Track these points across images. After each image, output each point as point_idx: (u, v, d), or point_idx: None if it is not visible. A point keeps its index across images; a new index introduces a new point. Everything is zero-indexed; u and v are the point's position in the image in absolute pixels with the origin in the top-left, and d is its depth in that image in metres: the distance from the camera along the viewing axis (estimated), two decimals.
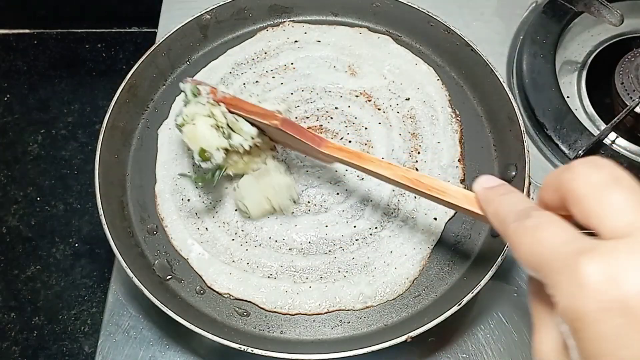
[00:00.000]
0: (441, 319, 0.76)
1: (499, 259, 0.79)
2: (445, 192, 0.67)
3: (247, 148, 0.83)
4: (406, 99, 0.99)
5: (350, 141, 0.94)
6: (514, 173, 0.88)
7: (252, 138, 0.82)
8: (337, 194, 0.91)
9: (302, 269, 0.86)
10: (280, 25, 1.06)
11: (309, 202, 0.90)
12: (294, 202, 0.89)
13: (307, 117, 0.97)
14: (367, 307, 0.83)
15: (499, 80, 0.93)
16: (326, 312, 0.83)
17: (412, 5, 1.02)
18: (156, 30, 1.16)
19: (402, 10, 1.03)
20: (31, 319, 1.15)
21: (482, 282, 0.78)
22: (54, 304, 1.16)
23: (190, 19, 1.01)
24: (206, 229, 0.89)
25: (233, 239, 0.88)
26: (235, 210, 0.89)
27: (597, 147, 0.99)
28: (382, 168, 0.75)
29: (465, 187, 0.91)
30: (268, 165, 0.87)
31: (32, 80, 1.41)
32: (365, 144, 0.94)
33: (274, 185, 0.86)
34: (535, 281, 0.46)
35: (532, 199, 0.83)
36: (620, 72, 1.06)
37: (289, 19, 1.07)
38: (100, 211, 0.84)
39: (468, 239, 0.88)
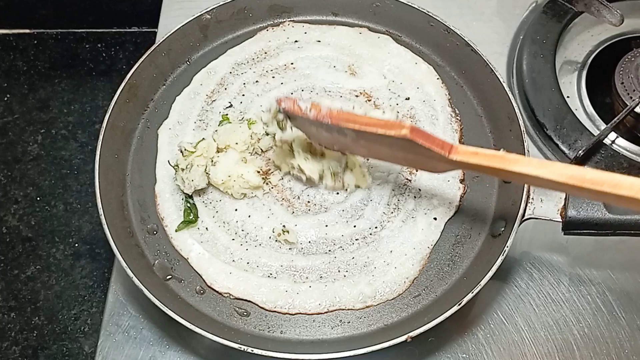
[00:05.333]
0: (441, 319, 0.76)
1: (499, 259, 0.79)
2: (619, 185, 0.55)
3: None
4: (406, 99, 0.99)
5: None
6: None
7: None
8: (337, 193, 0.91)
9: (302, 269, 0.86)
10: (280, 25, 1.06)
11: (309, 202, 0.90)
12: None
13: None
14: (367, 307, 0.84)
15: (499, 80, 0.93)
16: (326, 312, 0.83)
17: (412, 5, 1.02)
18: (156, 30, 1.16)
19: (402, 10, 1.03)
20: (31, 319, 1.15)
21: (482, 282, 0.78)
22: (54, 304, 1.16)
23: (190, 19, 1.01)
24: (206, 228, 0.89)
25: (233, 239, 0.88)
26: (236, 209, 0.90)
27: (597, 147, 0.99)
28: (532, 167, 0.59)
29: (465, 187, 0.91)
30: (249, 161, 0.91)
31: (32, 80, 1.41)
32: None
33: (241, 178, 0.89)
34: None
35: (532, 199, 0.83)
36: (620, 72, 1.06)
37: (289, 19, 1.07)
38: (100, 211, 0.84)
39: (468, 239, 0.88)
